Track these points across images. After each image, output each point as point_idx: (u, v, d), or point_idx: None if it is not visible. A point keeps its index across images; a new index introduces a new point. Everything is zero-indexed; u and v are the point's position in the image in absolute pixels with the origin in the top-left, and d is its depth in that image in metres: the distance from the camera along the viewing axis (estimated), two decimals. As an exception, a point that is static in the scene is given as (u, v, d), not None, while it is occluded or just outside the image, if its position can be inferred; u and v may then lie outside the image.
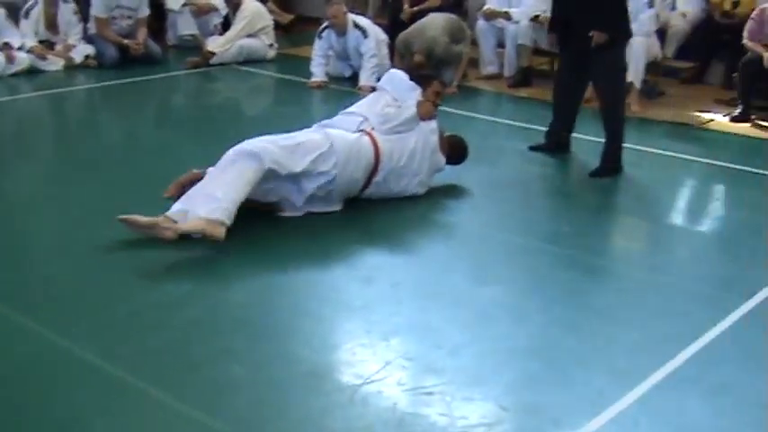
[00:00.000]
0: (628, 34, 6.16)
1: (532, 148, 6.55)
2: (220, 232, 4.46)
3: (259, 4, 9.82)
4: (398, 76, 5.67)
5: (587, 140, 6.60)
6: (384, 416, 3.19)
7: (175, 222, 4.51)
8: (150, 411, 3.18)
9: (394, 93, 5.50)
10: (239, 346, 3.64)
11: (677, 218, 5.36)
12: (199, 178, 4.84)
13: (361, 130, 5.18)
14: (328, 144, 4.95)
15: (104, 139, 7.07)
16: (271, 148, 4.75)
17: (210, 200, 4.53)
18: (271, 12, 10.41)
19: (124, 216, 4.50)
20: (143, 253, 4.46)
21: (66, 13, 8.91)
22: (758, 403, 3.36)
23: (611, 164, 6.01)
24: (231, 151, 4.75)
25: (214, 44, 9.38)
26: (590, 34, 5.85)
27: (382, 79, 5.84)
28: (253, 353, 3.60)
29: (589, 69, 6.10)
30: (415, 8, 9.23)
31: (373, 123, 5.24)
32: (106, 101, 8.26)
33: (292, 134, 5.00)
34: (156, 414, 3.17)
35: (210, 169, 4.81)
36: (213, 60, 9.26)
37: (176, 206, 4.66)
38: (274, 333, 3.77)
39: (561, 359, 3.64)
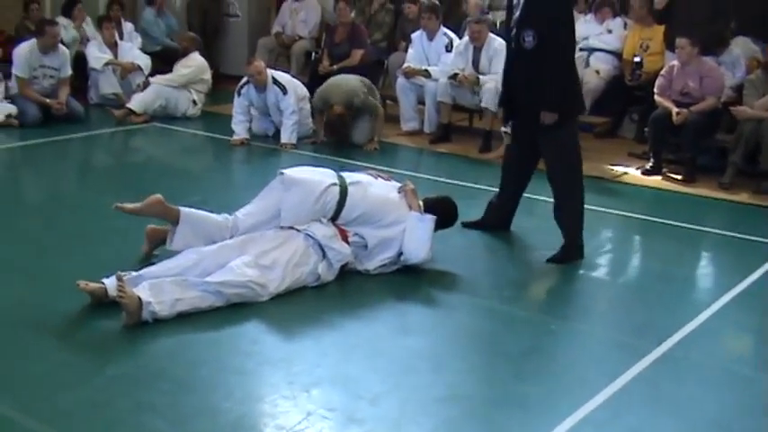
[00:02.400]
0: (580, 108, 5.98)
1: (466, 225, 6.05)
2: (133, 321, 4.26)
3: (203, 60, 9.91)
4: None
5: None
6: (306, 466, 3.24)
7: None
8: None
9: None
10: (162, 400, 3.65)
11: (592, 268, 5.51)
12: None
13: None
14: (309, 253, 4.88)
15: (26, 198, 7.02)
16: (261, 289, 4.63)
17: (164, 294, 4.35)
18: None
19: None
20: (63, 309, 4.44)
21: (-13, 72, 8.86)
22: (667, 444, 3.49)
23: (571, 252, 5.59)
24: (235, 267, 4.57)
25: (152, 79, 9.56)
26: (539, 114, 5.48)
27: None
28: (176, 407, 3.61)
29: (539, 149, 5.72)
30: (336, 66, 9.42)
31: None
32: (28, 160, 8.19)
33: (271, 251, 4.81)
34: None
35: (204, 249, 4.74)
36: (132, 104, 9.31)
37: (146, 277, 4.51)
38: (197, 387, 3.79)
39: (478, 407, 3.74)
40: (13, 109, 8.84)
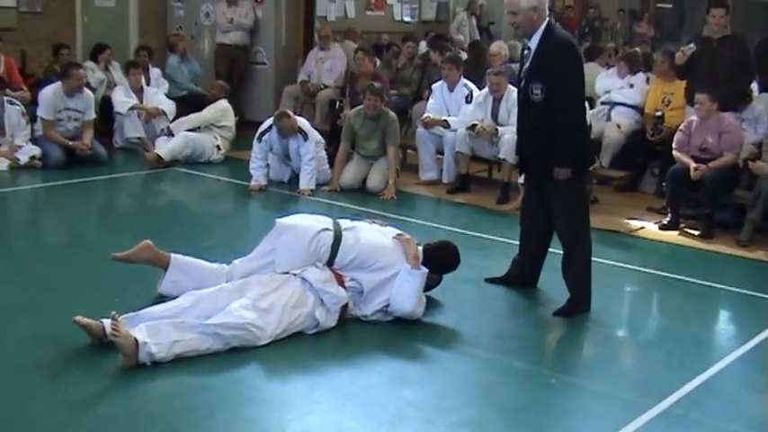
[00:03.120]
0: (589, 160, 5.89)
1: (489, 281, 6.01)
2: (131, 362, 4.28)
3: (229, 105, 10.08)
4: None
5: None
6: None
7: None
8: None
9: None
10: (150, 444, 3.66)
11: (599, 322, 5.45)
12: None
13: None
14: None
15: (46, 239, 7.11)
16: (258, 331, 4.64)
17: (161, 336, 4.37)
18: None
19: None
20: (66, 350, 4.48)
21: (13, 115, 9.00)
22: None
23: (577, 306, 5.52)
24: (234, 311, 4.59)
25: (174, 124, 9.70)
26: (549, 167, 5.41)
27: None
28: (163, 452, 3.62)
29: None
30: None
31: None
32: (48, 201, 8.33)
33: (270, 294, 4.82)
34: None
35: (202, 292, 4.76)
36: (160, 150, 9.40)
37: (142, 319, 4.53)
38: (190, 431, 3.78)
39: (468, 459, 3.71)
40: (37, 151, 8.98)
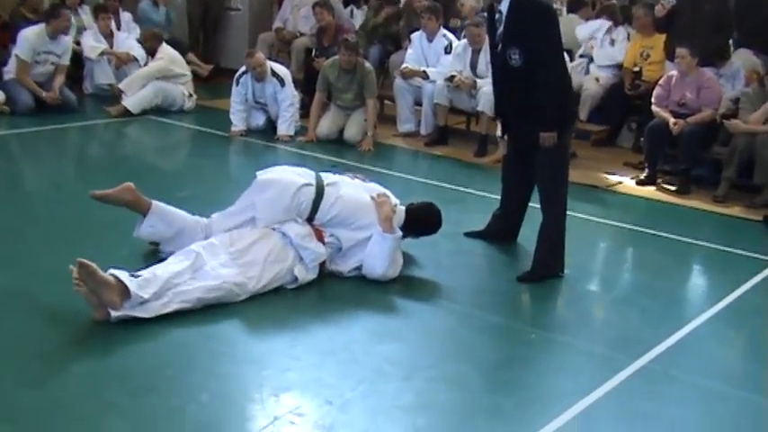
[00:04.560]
0: (573, 118, 5.69)
1: (468, 235, 6.01)
2: (101, 316, 4.20)
3: (175, 52, 9.84)
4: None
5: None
6: (266, 472, 3.19)
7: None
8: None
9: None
10: (124, 401, 3.59)
11: (577, 278, 5.43)
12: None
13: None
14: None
15: (16, 189, 6.95)
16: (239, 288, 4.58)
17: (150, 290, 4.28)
18: (190, 63, 10.45)
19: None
20: (37, 304, 4.41)
21: (-23, 58, 8.82)
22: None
23: (542, 270, 5.37)
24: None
25: (123, 83, 9.38)
26: (537, 135, 5.23)
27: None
28: (140, 408, 3.56)
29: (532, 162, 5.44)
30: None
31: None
32: (19, 150, 8.14)
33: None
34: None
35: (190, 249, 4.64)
36: (127, 102, 9.18)
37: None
38: (162, 388, 3.73)
39: (447, 416, 3.69)
40: (1, 96, 8.77)
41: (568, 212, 5.54)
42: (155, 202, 5.04)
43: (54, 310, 4.34)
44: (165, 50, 9.69)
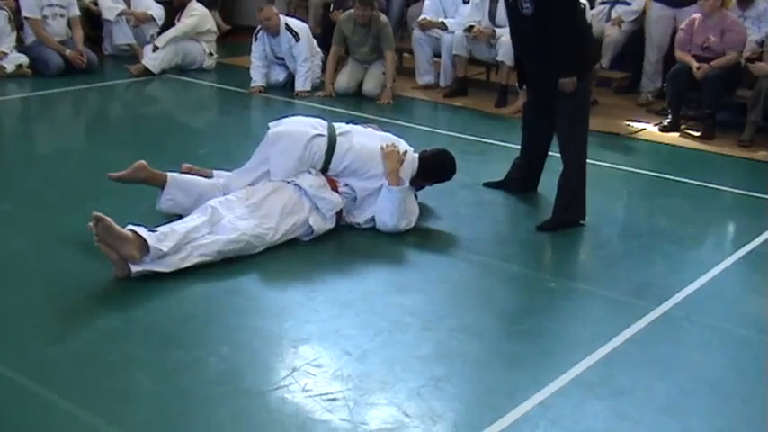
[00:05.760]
0: (592, 63, 5.58)
1: (487, 185, 5.99)
2: (122, 273, 4.22)
3: (205, 9, 9.81)
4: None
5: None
6: (286, 422, 3.21)
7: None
8: (51, 420, 3.17)
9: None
10: (147, 354, 3.63)
11: (599, 226, 5.39)
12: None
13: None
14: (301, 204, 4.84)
15: (38, 151, 6.99)
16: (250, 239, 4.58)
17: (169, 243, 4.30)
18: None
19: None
20: (58, 264, 4.45)
21: (0, 19, 8.80)
22: (656, 407, 3.42)
23: (563, 218, 5.33)
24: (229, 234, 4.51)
25: (159, 40, 9.36)
26: (552, 78, 5.19)
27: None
28: (160, 361, 3.59)
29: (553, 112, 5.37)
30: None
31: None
32: (40, 111, 8.18)
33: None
34: (56, 422, 3.16)
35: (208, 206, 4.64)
36: (147, 61, 9.21)
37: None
38: (184, 341, 3.76)
39: (467, 366, 3.68)
40: (24, 59, 8.80)
41: (589, 161, 5.48)
42: (170, 174, 5.03)
43: (76, 269, 4.37)
44: (197, 7, 9.67)
